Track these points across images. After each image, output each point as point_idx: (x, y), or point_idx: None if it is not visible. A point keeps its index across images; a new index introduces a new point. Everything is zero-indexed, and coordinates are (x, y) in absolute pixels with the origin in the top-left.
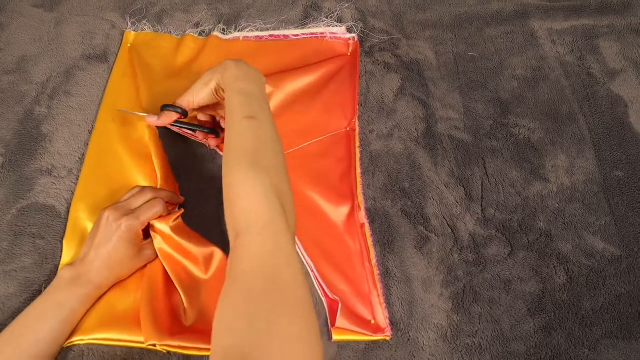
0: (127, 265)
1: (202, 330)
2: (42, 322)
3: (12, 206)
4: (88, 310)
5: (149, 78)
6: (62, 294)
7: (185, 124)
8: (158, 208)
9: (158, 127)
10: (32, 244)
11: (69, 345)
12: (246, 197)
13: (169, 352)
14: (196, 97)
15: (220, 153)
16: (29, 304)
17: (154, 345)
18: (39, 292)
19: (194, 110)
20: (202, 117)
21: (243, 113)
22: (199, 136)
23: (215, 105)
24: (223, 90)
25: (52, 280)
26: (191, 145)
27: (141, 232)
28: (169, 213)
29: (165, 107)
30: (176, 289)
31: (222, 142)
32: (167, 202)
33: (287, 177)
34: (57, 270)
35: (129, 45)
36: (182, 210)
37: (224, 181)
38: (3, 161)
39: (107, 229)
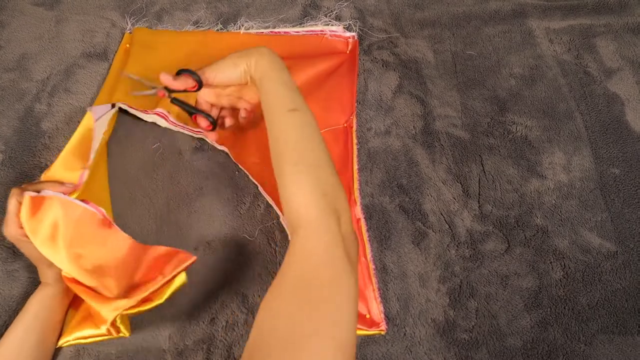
0: (45, 259)
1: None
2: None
3: None
4: (67, 309)
5: (147, 70)
6: (28, 301)
7: (191, 106)
8: (11, 203)
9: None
10: None
11: (63, 345)
12: (295, 198)
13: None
14: (221, 73)
15: (218, 146)
16: None
17: (115, 322)
18: None
19: (209, 86)
20: (203, 104)
21: (287, 105)
22: (201, 123)
23: (228, 89)
24: (248, 73)
25: None
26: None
27: (20, 228)
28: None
29: (182, 71)
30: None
31: (219, 136)
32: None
33: (333, 168)
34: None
35: (127, 45)
36: (27, 196)
37: (277, 177)
38: (3, 158)
39: None
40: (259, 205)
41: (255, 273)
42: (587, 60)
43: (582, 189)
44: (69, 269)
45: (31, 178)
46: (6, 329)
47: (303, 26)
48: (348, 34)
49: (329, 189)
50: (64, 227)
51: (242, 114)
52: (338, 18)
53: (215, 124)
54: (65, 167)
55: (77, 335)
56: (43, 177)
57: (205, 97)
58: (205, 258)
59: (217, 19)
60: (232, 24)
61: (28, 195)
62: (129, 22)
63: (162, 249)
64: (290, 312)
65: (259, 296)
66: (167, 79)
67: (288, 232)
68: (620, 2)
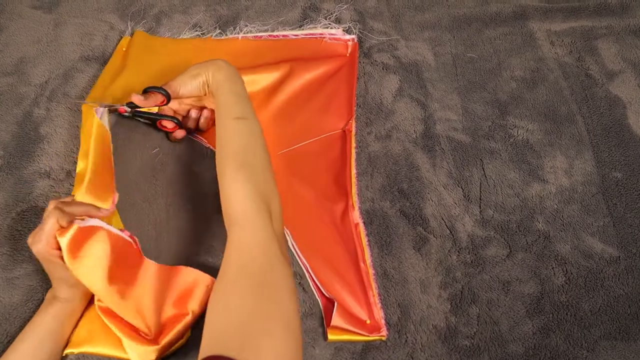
0: (69, 279)
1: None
2: (27, 343)
3: (11, 210)
4: (76, 324)
5: (142, 77)
6: (39, 314)
7: (155, 114)
8: (49, 223)
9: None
10: None
11: (64, 354)
12: (234, 196)
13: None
14: (182, 87)
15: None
16: (34, 313)
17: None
18: (42, 301)
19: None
20: (166, 111)
21: (235, 113)
22: (167, 125)
23: (194, 98)
24: (208, 86)
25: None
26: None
27: (53, 249)
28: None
29: (149, 89)
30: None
31: (186, 133)
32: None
33: (272, 174)
34: (81, 288)
35: (124, 49)
36: (75, 226)
37: (219, 178)
38: (2, 163)
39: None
40: None
41: None
42: (589, 62)
43: (584, 194)
44: (108, 301)
45: (30, 184)
46: (7, 336)
47: (302, 29)
48: (347, 36)
49: (266, 191)
50: (107, 260)
51: (202, 118)
52: (338, 20)
53: (180, 124)
54: (95, 187)
55: (87, 350)
56: (77, 197)
57: (169, 105)
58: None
59: (216, 21)
60: (232, 27)
61: (77, 225)
62: (129, 26)
63: (184, 272)
64: (239, 299)
65: None
66: (138, 99)
67: (226, 228)
68: (621, 4)
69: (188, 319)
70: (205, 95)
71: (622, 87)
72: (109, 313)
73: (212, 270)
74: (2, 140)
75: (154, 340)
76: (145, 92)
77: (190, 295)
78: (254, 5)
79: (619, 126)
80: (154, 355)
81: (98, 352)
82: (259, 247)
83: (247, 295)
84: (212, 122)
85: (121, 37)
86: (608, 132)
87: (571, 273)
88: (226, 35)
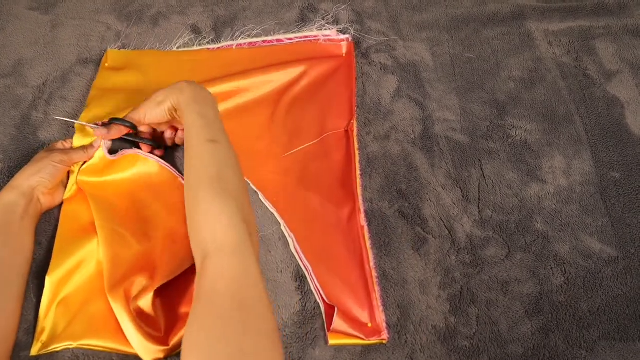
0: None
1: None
2: None
3: None
4: (75, 314)
5: (130, 95)
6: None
7: (130, 138)
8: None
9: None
10: None
11: (61, 349)
12: (214, 222)
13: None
14: (148, 115)
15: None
16: None
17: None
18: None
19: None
20: (143, 128)
21: (205, 136)
22: (144, 149)
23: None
24: (176, 111)
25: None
26: None
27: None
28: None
29: (114, 120)
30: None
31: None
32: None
33: (249, 198)
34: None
35: (106, 64)
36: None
37: (189, 204)
38: (2, 167)
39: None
40: (256, 211)
41: None
42: (587, 62)
43: (583, 194)
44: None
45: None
46: None
47: (296, 32)
48: (342, 36)
49: (247, 216)
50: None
51: (176, 138)
52: (336, 21)
53: (157, 145)
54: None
55: (87, 343)
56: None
57: (144, 129)
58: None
59: (214, 22)
60: (229, 28)
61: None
62: (126, 27)
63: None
64: (232, 334)
65: None
66: (101, 133)
67: (196, 255)
68: (619, 4)
69: None
70: (173, 119)
71: (620, 87)
72: (125, 303)
73: None
74: (1, 143)
75: (164, 340)
76: (110, 123)
77: None
78: (251, 6)
79: (617, 126)
80: (162, 355)
81: (98, 345)
82: (248, 278)
83: (239, 332)
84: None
85: (119, 38)
86: (606, 132)
87: (570, 273)
88: (220, 41)
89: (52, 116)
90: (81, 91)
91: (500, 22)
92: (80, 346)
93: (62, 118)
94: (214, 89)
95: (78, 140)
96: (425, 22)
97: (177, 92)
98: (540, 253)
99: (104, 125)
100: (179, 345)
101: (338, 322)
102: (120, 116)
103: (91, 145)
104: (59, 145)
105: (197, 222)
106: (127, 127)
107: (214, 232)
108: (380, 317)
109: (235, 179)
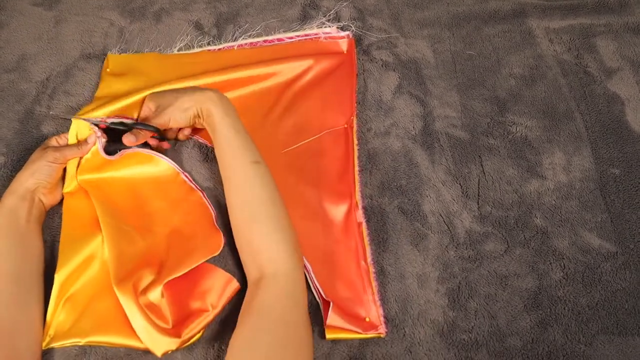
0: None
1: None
2: None
3: None
4: (82, 311)
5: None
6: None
7: (127, 122)
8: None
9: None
10: None
11: (69, 345)
12: (274, 250)
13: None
14: (172, 120)
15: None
16: None
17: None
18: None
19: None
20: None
21: (249, 158)
22: (151, 142)
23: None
24: (200, 117)
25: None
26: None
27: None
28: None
29: (138, 125)
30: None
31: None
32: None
33: (291, 223)
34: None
35: (108, 70)
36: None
37: (242, 224)
38: (5, 160)
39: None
40: None
41: None
42: (587, 60)
43: (582, 190)
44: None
45: None
46: None
47: (297, 31)
48: (342, 33)
49: (297, 245)
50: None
51: (180, 134)
52: (337, 18)
53: (162, 137)
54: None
55: (95, 339)
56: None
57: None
58: None
59: (217, 19)
60: (232, 24)
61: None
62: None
63: (206, 268)
64: (276, 345)
65: None
66: (129, 140)
67: (251, 274)
68: (620, 2)
69: (209, 314)
70: (195, 124)
71: (620, 84)
72: (133, 296)
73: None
74: (4, 137)
75: (175, 332)
76: (133, 127)
77: (209, 291)
78: (253, 3)
79: (617, 123)
80: (174, 347)
81: (107, 341)
82: (296, 303)
83: (281, 345)
84: (189, 131)
85: (122, 34)
86: (606, 129)
87: (569, 268)
88: (222, 38)
89: (52, 112)
90: (84, 86)
91: (501, 19)
92: (89, 343)
93: (59, 114)
94: (215, 79)
95: (73, 136)
96: (427, 19)
97: (208, 101)
98: (539, 248)
99: (124, 127)
100: (190, 338)
101: (334, 318)
102: (129, 113)
103: (85, 142)
104: (53, 141)
105: (256, 244)
106: (152, 131)
107: (272, 258)
108: (378, 311)
109: (281, 206)
